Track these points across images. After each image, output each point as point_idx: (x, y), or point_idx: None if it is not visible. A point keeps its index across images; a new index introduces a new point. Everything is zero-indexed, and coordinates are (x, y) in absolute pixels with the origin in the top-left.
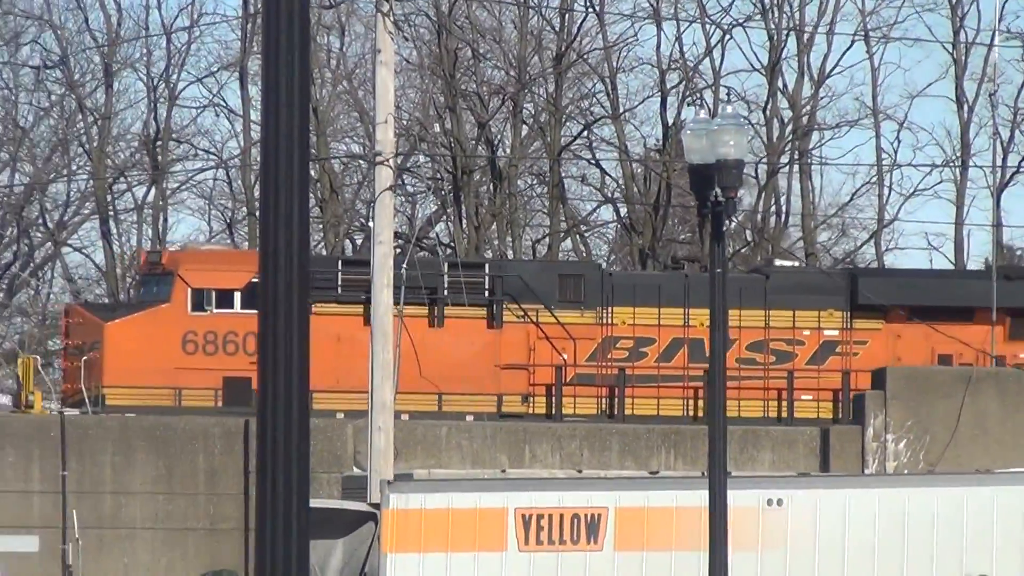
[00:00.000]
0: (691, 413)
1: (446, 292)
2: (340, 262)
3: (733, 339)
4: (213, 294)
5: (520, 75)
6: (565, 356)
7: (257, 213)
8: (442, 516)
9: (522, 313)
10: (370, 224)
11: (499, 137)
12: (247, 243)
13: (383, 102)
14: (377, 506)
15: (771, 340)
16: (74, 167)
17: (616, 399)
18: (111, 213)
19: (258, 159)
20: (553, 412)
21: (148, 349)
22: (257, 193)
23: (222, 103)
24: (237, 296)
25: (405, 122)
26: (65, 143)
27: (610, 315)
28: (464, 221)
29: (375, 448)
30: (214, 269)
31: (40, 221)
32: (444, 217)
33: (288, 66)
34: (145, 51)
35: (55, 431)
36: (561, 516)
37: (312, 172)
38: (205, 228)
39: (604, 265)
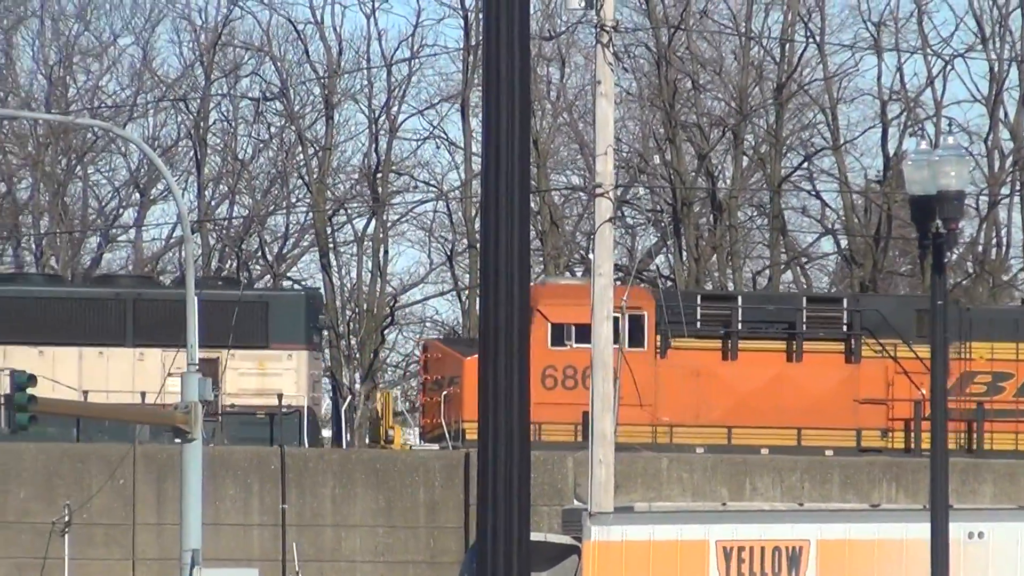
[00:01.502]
0: None
1: (804, 327)
2: (699, 296)
3: None
4: (572, 329)
5: (740, 106)
6: (924, 391)
7: (478, 245)
8: (643, 548)
9: (880, 348)
10: (590, 256)
11: (719, 168)
12: (467, 276)
13: (603, 134)
14: (580, 538)
15: None
16: (293, 199)
17: (975, 434)
18: (331, 245)
19: (479, 191)
20: (912, 447)
21: None
22: (478, 225)
23: (443, 135)
24: None
25: (625, 154)
26: (284, 175)
27: (968, 350)
28: (684, 253)
29: (595, 481)
30: (573, 304)
31: (259, 253)
32: (664, 249)
33: (509, 98)
34: (366, 83)
35: (275, 464)
36: (762, 548)
37: (532, 204)
38: (425, 260)
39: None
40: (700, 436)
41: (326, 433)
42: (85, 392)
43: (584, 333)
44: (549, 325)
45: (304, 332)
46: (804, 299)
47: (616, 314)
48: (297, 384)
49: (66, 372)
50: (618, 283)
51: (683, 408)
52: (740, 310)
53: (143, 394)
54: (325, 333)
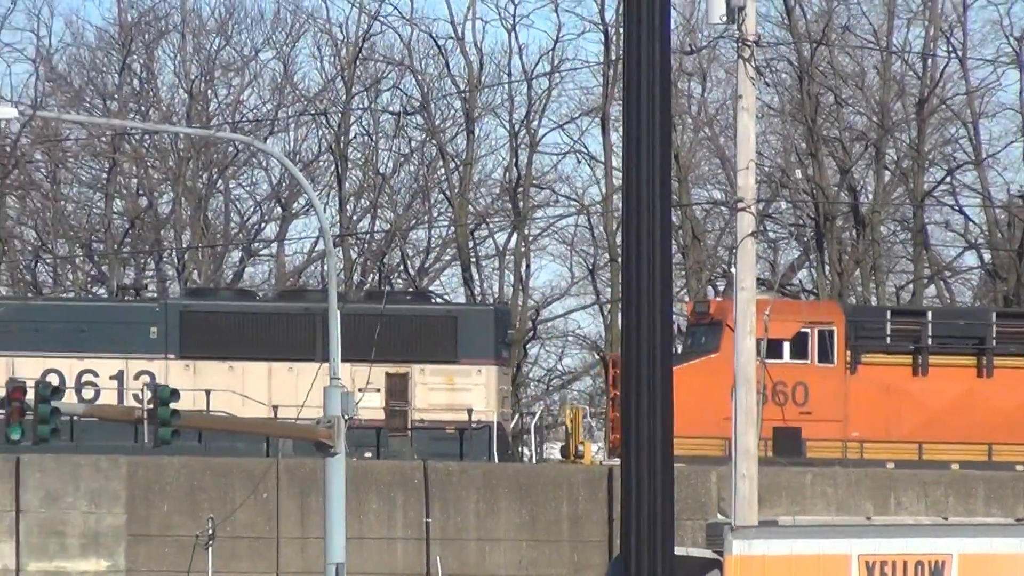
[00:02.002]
0: None
1: (994, 342)
2: (889, 312)
3: None
4: (763, 344)
5: (882, 120)
6: None
7: (619, 259)
8: (784, 563)
9: None
10: (732, 270)
11: (861, 183)
12: (609, 290)
13: (744, 148)
14: (721, 553)
15: None
16: (435, 213)
17: None
18: (472, 259)
19: (620, 205)
20: None
21: (698, 399)
22: (619, 239)
23: (583, 149)
24: (786, 346)
25: (767, 168)
26: (426, 189)
27: None
28: (827, 267)
29: (739, 495)
30: (759, 318)
31: (401, 267)
32: (807, 263)
33: (650, 112)
34: (506, 97)
35: (418, 478)
36: (904, 563)
37: (674, 218)
38: (567, 274)
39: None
40: (890, 452)
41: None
42: (275, 407)
43: (775, 348)
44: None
45: (493, 347)
46: (994, 314)
47: (806, 330)
48: (486, 399)
49: (256, 387)
50: (813, 297)
51: (874, 424)
52: (930, 325)
53: None
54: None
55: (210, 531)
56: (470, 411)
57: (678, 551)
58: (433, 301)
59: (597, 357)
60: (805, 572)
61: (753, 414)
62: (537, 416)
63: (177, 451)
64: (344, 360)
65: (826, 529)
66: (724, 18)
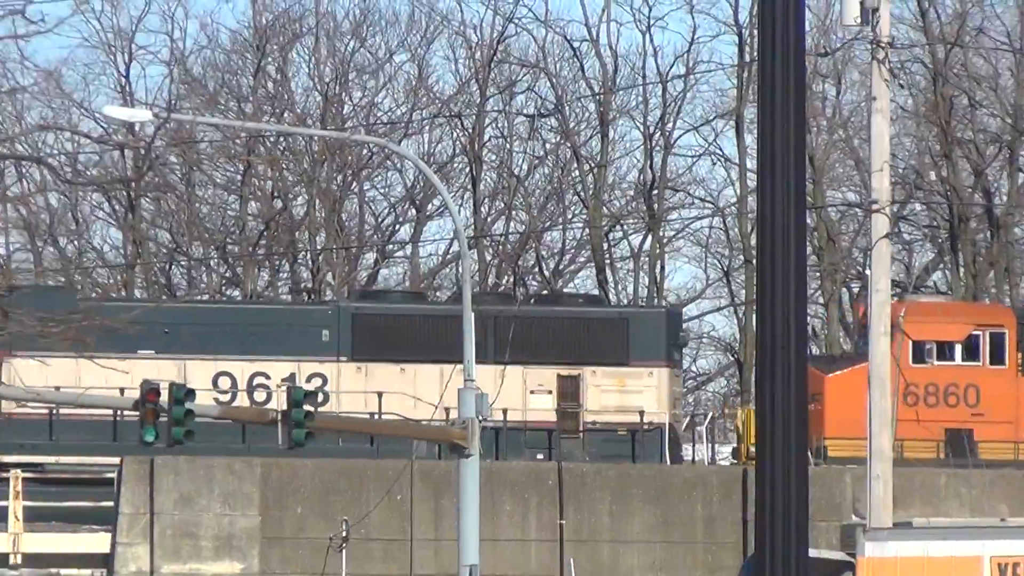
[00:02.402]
0: None
1: None
2: None
3: None
4: (934, 346)
5: (1016, 122)
6: None
7: (754, 261)
8: (917, 564)
9: None
10: (867, 272)
11: (995, 185)
12: (743, 292)
13: (878, 150)
14: (854, 554)
15: None
16: (569, 215)
17: None
18: (607, 261)
19: (754, 207)
20: None
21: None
22: (754, 241)
23: (718, 151)
24: (958, 348)
25: (901, 170)
26: (560, 191)
27: None
28: (961, 269)
29: (873, 496)
30: (935, 321)
31: (536, 269)
32: (941, 265)
33: (784, 115)
34: (641, 99)
35: (552, 479)
36: None
37: (808, 220)
38: (701, 276)
39: None
40: None
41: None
42: (447, 409)
43: (946, 350)
44: (910, 343)
45: (665, 349)
46: None
47: (977, 332)
48: (658, 401)
49: (427, 389)
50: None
51: None
52: None
53: (504, 411)
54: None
55: (344, 533)
56: (642, 413)
57: (812, 553)
58: (605, 304)
59: (732, 358)
60: (937, 574)
61: (887, 416)
62: (708, 418)
63: (310, 453)
64: (516, 363)
65: (958, 531)
66: (858, 20)
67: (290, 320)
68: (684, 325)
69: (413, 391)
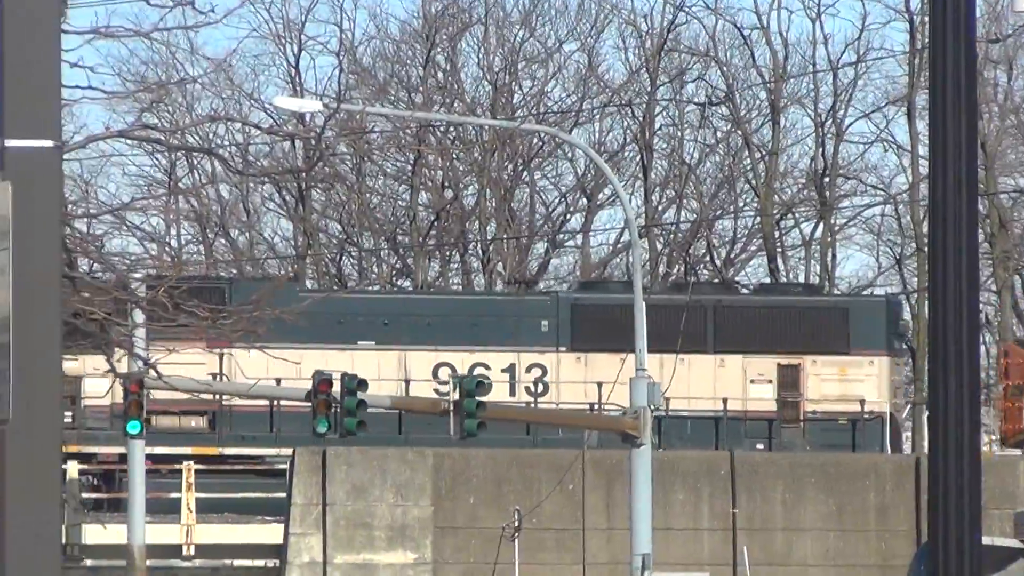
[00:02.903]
0: None
1: None
2: None
3: None
4: None
5: None
6: None
7: (926, 249)
8: None
9: None
10: None
11: None
12: (915, 279)
13: None
14: None
15: None
16: (741, 203)
17: None
18: (779, 250)
19: (926, 194)
20: None
21: None
22: (926, 229)
23: (890, 138)
24: None
25: None
26: (731, 179)
27: None
28: None
29: None
30: None
31: (707, 258)
32: None
33: (955, 101)
34: (812, 87)
35: (724, 469)
36: None
37: (980, 207)
38: (873, 264)
39: None
40: None
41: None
42: (667, 399)
43: None
44: None
45: (885, 338)
46: None
47: None
48: (878, 390)
49: None
50: None
51: None
52: None
53: (724, 400)
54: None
55: (516, 523)
56: (862, 402)
57: (985, 540)
58: (823, 293)
59: (904, 346)
60: None
61: None
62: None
63: (481, 443)
64: (735, 352)
65: None
66: None
67: (510, 310)
68: (903, 315)
69: None
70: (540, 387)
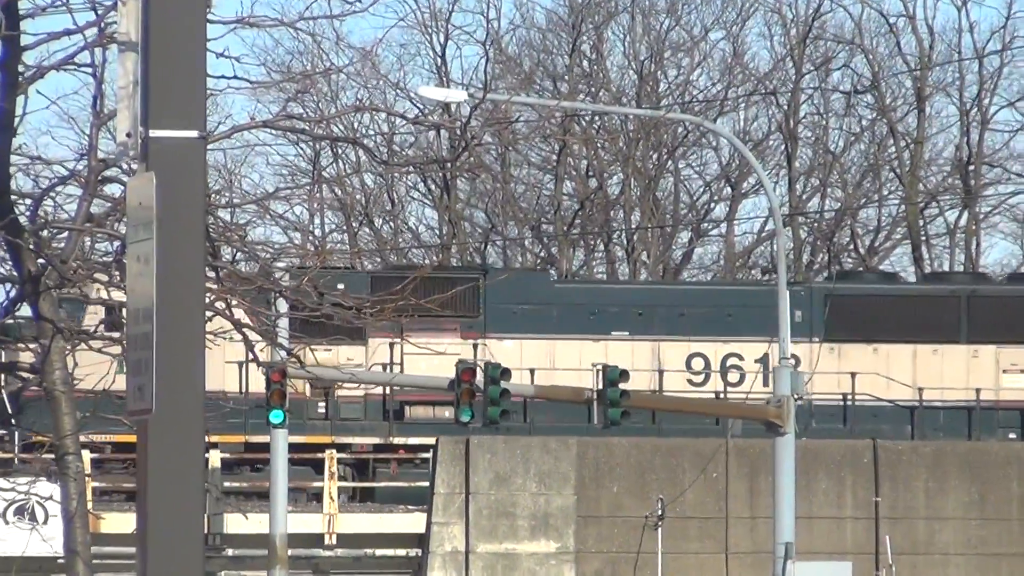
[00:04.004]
0: None
1: None
2: None
3: None
4: None
5: None
6: None
7: None
8: None
9: None
10: None
11: None
12: None
13: None
14: None
15: None
16: (885, 192)
17: None
18: (923, 238)
19: None
20: None
21: None
22: None
23: None
24: None
25: None
26: (876, 168)
27: None
28: None
29: None
30: None
31: (851, 247)
32: None
33: None
34: (957, 75)
35: (868, 457)
36: None
37: None
38: (1018, 253)
39: None
40: None
41: None
42: (920, 389)
43: None
44: None
45: None
46: None
47: None
48: None
49: (900, 370)
50: None
51: None
52: None
53: (977, 391)
54: None
55: (659, 512)
56: None
57: None
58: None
59: None
60: None
61: None
62: None
63: (627, 432)
64: (988, 342)
65: None
66: None
67: (763, 301)
68: None
69: (886, 371)
70: None
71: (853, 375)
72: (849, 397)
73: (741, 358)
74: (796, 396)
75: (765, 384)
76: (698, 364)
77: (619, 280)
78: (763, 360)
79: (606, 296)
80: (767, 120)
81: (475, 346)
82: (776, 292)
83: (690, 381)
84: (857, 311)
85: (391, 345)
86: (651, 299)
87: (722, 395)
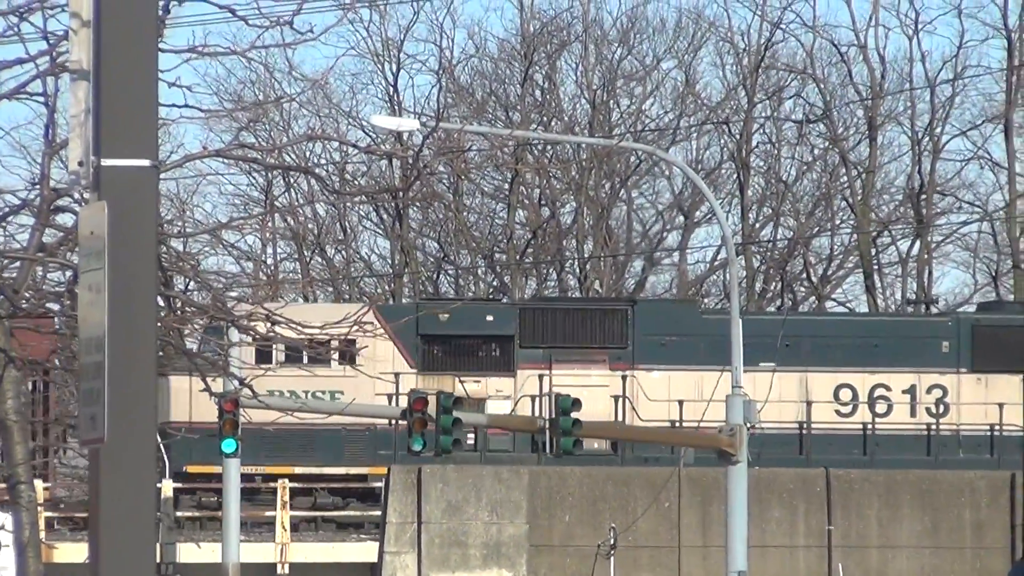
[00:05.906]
0: None
1: None
2: None
3: None
4: None
5: None
6: None
7: (1023, 266)
8: None
9: None
10: None
11: None
12: (1011, 295)
13: None
14: None
15: None
16: (837, 221)
17: None
18: (875, 267)
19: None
20: None
21: None
22: (1022, 245)
23: (986, 155)
24: None
25: None
26: (828, 197)
27: None
28: None
29: None
30: None
31: (804, 276)
32: None
33: None
34: (909, 104)
35: (820, 486)
36: None
37: None
38: (970, 282)
39: None
40: None
41: None
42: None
43: None
44: None
45: None
46: None
47: None
48: None
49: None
50: None
51: None
52: None
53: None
54: None
55: (612, 541)
56: None
57: None
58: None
59: None
60: None
61: None
62: None
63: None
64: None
65: None
66: None
67: (910, 332)
68: None
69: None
70: (941, 408)
71: (1000, 405)
72: (996, 428)
73: (888, 388)
74: (748, 425)
75: (912, 415)
76: (846, 395)
77: (766, 312)
78: (910, 391)
79: (754, 327)
80: (719, 149)
81: (624, 377)
82: (922, 323)
83: (838, 412)
84: (1004, 341)
85: (540, 377)
86: (799, 330)
87: (869, 426)
